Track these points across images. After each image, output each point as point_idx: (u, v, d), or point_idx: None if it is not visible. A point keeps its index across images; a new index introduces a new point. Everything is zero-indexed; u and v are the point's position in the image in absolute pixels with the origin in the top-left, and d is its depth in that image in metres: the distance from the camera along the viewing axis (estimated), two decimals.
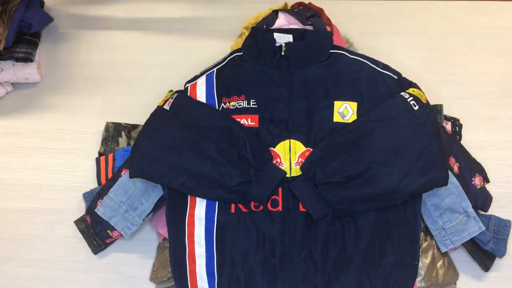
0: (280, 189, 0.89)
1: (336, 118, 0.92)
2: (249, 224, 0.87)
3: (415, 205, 0.89)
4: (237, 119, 0.93)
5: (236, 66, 0.99)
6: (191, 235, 0.88)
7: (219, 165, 0.87)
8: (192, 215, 0.89)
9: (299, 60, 0.94)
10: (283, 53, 0.94)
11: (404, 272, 0.85)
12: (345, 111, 0.93)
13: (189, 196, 0.90)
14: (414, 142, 0.86)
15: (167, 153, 0.89)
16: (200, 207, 0.89)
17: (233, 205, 0.89)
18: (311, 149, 0.91)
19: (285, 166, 0.90)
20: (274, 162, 0.90)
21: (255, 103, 0.95)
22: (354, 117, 0.92)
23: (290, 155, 0.91)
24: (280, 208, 0.88)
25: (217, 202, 0.89)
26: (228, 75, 0.98)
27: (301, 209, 0.87)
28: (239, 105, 0.95)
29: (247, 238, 0.86)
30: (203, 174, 0.87)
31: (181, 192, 0.90)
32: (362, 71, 0.95)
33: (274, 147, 0.92)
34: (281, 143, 0.92)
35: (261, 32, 0.98)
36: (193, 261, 0.86)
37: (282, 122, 0.93)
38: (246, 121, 0.94)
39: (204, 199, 0.89)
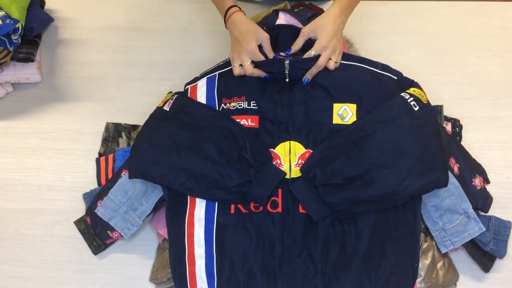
0: (279, 190, 0.89)
1: (336, 120, 0.92)
2: (249, 225, 0.87)
3: (415, 207, 0.89)
4: (237, 120, 0.93)
5: None
6: (191, 235, 0.88)
7: (218, 166, 0.87)
8: (192, 215, 0.89)
9: (301, 76, 0.95)
10: (287, 80, 0.93)
11: (404, 273, 0.85)
12: (345, 113, 0.93)
13: (188, 196, 0.90)
14: (414, 143, 0.86)
15: (167, 154, 0.89)
16: (199, 207, 0.89)
17: (232, 206, 0.89)
18: (311, 151, 0.91)
19: (285, 168, 0.90)
20: (274, 163, 0.90)
21: (255, 104, 0.95)
22: (354, 119, 0.92)
23: (290, 156, 0.91)
24: (279, 209, 0.88)
25: (216, 203, 0.89)
26: (230, 80, 0.98)
27: (301, 210, 0.87)
28: (239, 106, 0.95)
29: (247, 239, 0.86)
30: (202, 174, 0.87)
31: (181, 193, 0.90)
32: (360, 74, 0.95)
33: (274, 148, 0.92)
34: (281, 145, 0.92)
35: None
36: (192, 262, 0.86)
37: (282, 123, 0.93)
38: (246, 121, 0.94)
39: (203, 199, 0.89)
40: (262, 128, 0.93)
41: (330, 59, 0.94)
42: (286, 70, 0.92)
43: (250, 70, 0.95)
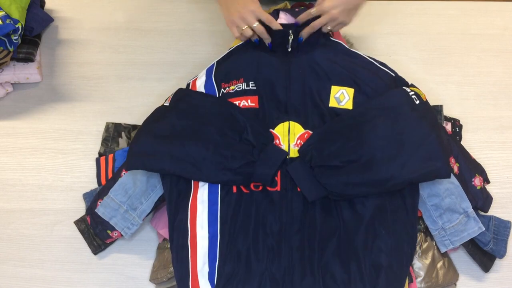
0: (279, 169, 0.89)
1: (332, 103, 0.93)
2: (249, 204, 0.88)
3: (414, 196, 0.89)
4: (237, 101, 0.95)
5: (235, 55, 1.00)
6: (194, 218, 0.88)
7: (222, 148, 0.88)
8: (195, 198, 0.89)
9: (303, 48, 0.96)
10: (289, 49, 0.95)
11: (398, 258, 0.85)
12: (341, 96, 0.93)
13: (192, 182, 0.90)
14: (414, 133, 0.86)
15: (169, 142, 0.90)
16: (202, 189, 0.90)
17: (234, 186, 0.89)
18: (310, 131, 0.91)
19: (284, 148, 0.91)
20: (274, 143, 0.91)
21: (254, 84, 0.95)
22: (350, 103, 0.93)
23: (289, 136, 0.92)
24: (278, 188, 0.89)
25: (219, 185, 0.89)
26: (227, 63, 0.99)
27: (299, 189, 0.88)
28: (238, 88, 0.96)
29: (247, 218, 0.87)
30: (206, 158, 0.88)
31: (181, 183, 0.91)
32: (359, 60, 0.97)
33: (273, 129, 0.93)
34: (280, 125, 0.93)
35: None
36: (194, 245, 0.86)
37: (281, 103, 0.94)
38: (246, 102, 0.95)
39: (206, 182, 0.90)
40: (261, 108, 0.94)
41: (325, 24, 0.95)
42: (290, 37, 0.93)
43: (260, 28, 0.93)
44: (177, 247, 0.89)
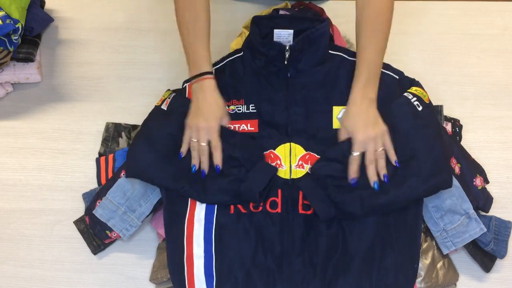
0: (279, 191, 0.89)
1: (336, 124, 0.92)
2: (248, 225, 0.87)
3: (417, 207, 0.89)
4: (237, 124, 0.94)
5: (236, 68, 0.98)
6: (190, 236, 0.88)
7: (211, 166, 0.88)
8: (192, 215, 0.89)
9: (301, 64, 0.93)
10: (286, 61, 0.92)
11: (404, 274, 0.85)
12: None
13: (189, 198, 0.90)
14: (420, 145, 0.86)
15: (166, 157, 0.90)
16: (200, 208, 0.89)
17: (232, 206, 0.89)
18: (311, 153, 0.91)
19: (285, 168, 0.90)
20: (274, 164, 0.90)
21: (254, 107, 0.94)
22: None
23: (290, 157, 0.91)
24: (279, 209, 0.88)
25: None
26: (227, 77, 0.98)
27: (301, 211, 0.87)
28: (238, 110, 0.95)
29: (246, 239, 0.86)
30: (198, 180, 0.88)
31: (177, 197, 0.91)
32: None
33: (274, 149, 0.92)
34: (282, 146, 0.92)
35: (261, 30, 0.95)
36: (191, 263, 0.86)
37: (281, 126, 0.93)
38: (246, 126, 0.94)
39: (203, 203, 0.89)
40: (261, 132, 0.93)
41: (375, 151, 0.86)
42: (287, 52, 0.90)
43: (205, 156, 0.88)
44: (173, 264, 0.89)
